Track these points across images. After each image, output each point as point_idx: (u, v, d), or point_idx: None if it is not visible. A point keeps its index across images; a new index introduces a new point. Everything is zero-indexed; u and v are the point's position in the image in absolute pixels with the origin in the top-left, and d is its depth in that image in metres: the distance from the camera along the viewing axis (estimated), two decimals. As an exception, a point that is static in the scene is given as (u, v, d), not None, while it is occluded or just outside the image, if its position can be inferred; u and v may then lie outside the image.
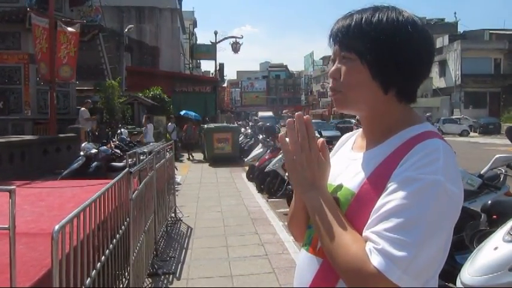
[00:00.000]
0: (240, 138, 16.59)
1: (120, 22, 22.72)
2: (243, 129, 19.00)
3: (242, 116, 43.19)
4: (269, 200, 8.64)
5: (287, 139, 1.01)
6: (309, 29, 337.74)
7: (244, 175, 11.83)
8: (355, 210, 0.95)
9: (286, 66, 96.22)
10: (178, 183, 10.36)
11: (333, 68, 1.05)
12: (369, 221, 0.89)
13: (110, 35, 19.00)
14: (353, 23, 0.99)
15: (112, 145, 7.91)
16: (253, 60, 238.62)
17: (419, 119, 1.03)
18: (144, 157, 4.62)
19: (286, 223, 6.57)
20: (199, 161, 15.79)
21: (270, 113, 46.73)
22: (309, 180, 0.98)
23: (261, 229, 6.31)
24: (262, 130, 12.01)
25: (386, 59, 0.96)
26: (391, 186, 0.88)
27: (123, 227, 3.25)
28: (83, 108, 12.59)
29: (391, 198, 0.86)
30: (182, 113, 19.80)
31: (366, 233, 0.88)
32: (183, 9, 38.40)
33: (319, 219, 0.94)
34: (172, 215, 6.82)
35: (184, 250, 5.36)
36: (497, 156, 4.77)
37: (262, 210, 7.61)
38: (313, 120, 29.74)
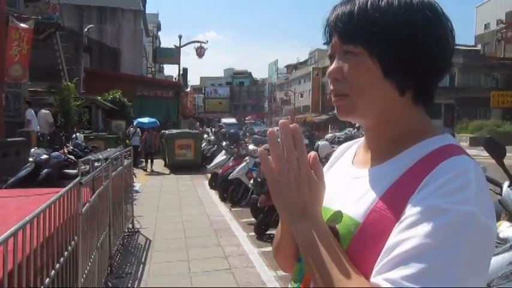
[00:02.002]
0: (203, 145, 16.25)
1: (79, 21, 21.82)
2: (205, 136, 18.64)
3: (205, 122, 42.69)
4: (232, 209, 8.36)
5: (269, 155, 0.77)
6: (274, 37, 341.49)
7: (206, 183, 11.55)
8: (360, 246, 0.74)
9: (250, 73, 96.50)
10: (137, 191, 9.91)
11: (333, 66, 0.83)
12: (380, 263, 0.67)
13: (68, 35, 18.18)
14: (356, 8, 0.79)
15: (65, 151, 7.40)
16: (217, 66, 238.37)
17: (437, 128, 0.83)
18: (99, 164, 4.25)
19: (250, 234, 6.42)
20: (158, 173, 14.53)
21: (233, 120, 46.60)
22: (299, 208, 0.76)
23: (224, 241, 6.03)
24: (226, 137, 11.76)
25: (402, 51, 0.76)
26: (410, 217, 0.67)
27: (73, 242, 2.90)
28: (47, 112, 11.82)
29: (410, 234, 0.65)
30: (134, 122, 18.01)
31: (376, 279, 0.66)
32: (147, 12, 37.65)
33: (312, 259, 0.73)
34: (130, 226, 6.42)
35: (141, 265, 5.00)
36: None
37: (225, 220, 7.33)
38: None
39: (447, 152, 0.73)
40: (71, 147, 7.73)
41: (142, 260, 5.19)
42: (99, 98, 18.30)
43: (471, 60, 36.27)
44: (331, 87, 0.85)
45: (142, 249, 5.66)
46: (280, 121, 0.79)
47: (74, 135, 10.70)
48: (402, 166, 0.76)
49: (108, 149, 8.10)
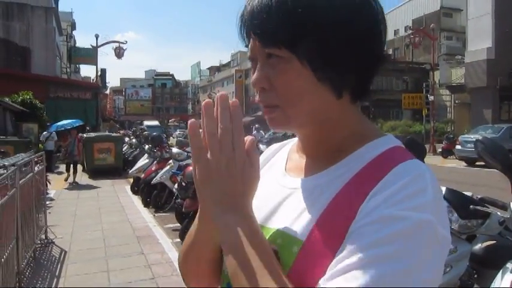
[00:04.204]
0: (124, 148, 15.62)
1: (-18, 17, 19.96)
2: (127, 139, 17.93)
3: (127, 125, 41.11)
4: (156, 214, 8.09)
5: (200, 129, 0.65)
6: (195, 39, 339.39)
7: (128, 188, 11.10)
8: (305, 267, 0.62)
9: (172, 75, 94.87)
10: (51, 199, 9.25)
11: (257, 74, 0.70)
12: (327, 274, 0.57)
13: (-31, 31, 16.55)
14: (274, 1, 0.65)
15: (-34, 157, 6.67)
16: (138, 68, 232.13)
17: (377, 129, 0.75)
18: (3, 171, 3.85)
19: (176, 240, 6.20)
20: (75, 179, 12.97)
21: (156, 122, 45.43)
22: (228, 198, 0.63)
23: (147, 248, 5.77)
24: (149, 140, 11.37)
25: (334, 47, 0.65)
26: (360, 228, 0.58)
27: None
28: None
29: (361, 244, 0.57)
30: (51, 130, 15.97)
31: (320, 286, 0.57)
32: (60, 10, 35.42)
33: (238, 261, 0.60)
34: (43, 236, 5.93)
35: (55, 279, 4.62)
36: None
37: (148, 227, 7.05)
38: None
39: (397, 156, 0.66)
40: (-28, 154, 6.98)
41: (56, 273, 4.80)
42: (8, 99, 16.84)
43: (384, 64, 38.82)
44: (259, 99, 0.72)
45: (57, 261, 5.23)
46: (220, 93, 0.67)
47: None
48: (346, 174, 0.67)
49: (17, 154, 7.44)
